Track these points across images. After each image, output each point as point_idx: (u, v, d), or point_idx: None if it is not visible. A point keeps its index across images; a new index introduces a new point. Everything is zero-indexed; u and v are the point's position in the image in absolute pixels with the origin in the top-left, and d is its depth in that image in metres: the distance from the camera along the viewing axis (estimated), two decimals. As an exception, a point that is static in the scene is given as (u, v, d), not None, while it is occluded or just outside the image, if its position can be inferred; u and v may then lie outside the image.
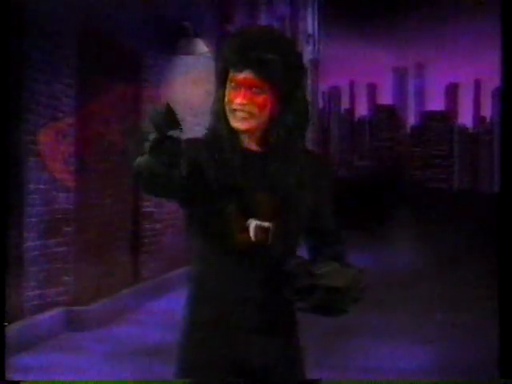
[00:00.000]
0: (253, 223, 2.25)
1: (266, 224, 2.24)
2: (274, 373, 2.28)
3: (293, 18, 23.15)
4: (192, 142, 2.28)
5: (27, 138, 6.38)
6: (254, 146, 2.27)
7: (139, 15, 8.58)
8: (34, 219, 6.46)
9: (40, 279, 6.54)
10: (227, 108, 2.23)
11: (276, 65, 2.17)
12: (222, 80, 2.26)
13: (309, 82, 27.95)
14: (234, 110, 2.20)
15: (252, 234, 2.25)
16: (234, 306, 2.26)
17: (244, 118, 2.20)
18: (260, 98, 2.19)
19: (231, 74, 2.21)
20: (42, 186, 6.57)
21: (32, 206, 6.44)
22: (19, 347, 5.87)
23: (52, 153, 6.70)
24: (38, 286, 6.52)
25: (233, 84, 2.21)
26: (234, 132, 2.25)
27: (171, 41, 9.58)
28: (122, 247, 8.31)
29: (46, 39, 6.62)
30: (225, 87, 2.24)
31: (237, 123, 2.22)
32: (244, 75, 2.18)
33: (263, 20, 16.08)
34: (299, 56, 2.26)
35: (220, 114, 2.26)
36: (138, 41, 8.61)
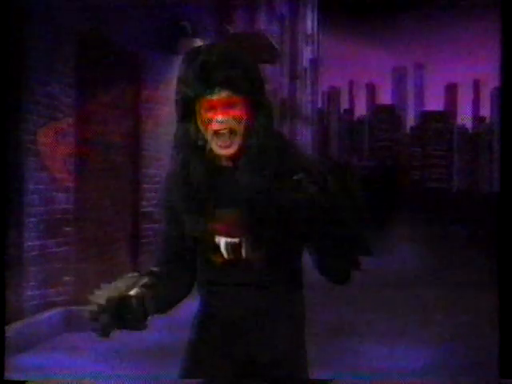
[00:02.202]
0: (222, 241, 2.21)
1: (236, 240, 2.20)
2: (278, 373, 2.28)
3: (292, 18, 23.15)
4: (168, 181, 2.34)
5: (27, 137, 6.38)
6: (224, 162, 2.26)
7: (138, 15, 8.58)
8: (33, 219, 6.46)
9: (40, 279, 6.53)
10: (207, 134, 2.21)
11: (242, 77, 2.19)
12: (186, 112, 2.23)
13: (308, 82, 27.96)
14: (216, 131, 2.19)
15: (223, 251, 2.22)
16: (231, 312, 2.28)
17: (228, 141, 2.19)
18: (236, 112, 2.19)
19: (201, 100, 2.19)
20: (41, 186, 6.57)
21: (32, 206, 6.44)
22: (19, 347, 5.87)
23: (52, 153, 6.70)
24: (38, 286, 6.52)
25: (205, 109, 2.19)
26: (205, 156, 2.25)
27: (170, 41, 9.58)
28: (121, 247, 8.30)
29: (46, 39, 6.62)
30: (190, 119, 2.23)
31: (221, 150, 2.21)
32: (217, 96, 2.17)
33: (263, 20, 16.07)
34: (257, 66, 2.28)
35: (192, 146, 2.24)
36: (137, 41, 8.60)
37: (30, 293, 6.41)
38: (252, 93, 2.22)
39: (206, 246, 2.24)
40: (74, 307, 6.92)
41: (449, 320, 7.66)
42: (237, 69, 2.19)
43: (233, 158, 2.23)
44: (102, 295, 2.19)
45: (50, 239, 6.68)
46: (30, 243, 6.39)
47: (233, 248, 2.21)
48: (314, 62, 29.66)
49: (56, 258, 6.77)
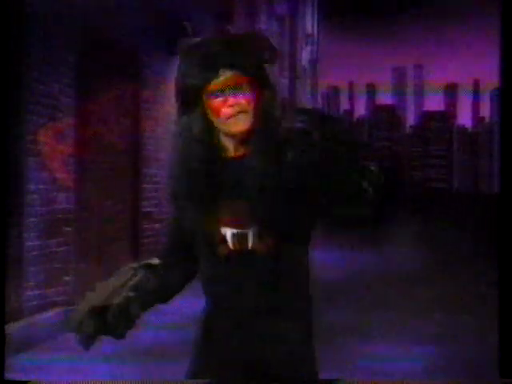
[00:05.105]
0: (228, 232, 2.22)
1: (243, 230, 2.20)
2: (286, 372, 2.27)
3: (292, 17, 23.14)
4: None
5: (27, 137, 6.38)
6: (232, 153, 2.25)
7: (139, 15, 8.58)
8: (33, 219, 6.46)
9: (40, 279, 6.54)
10: (217, 121, 2.21)
11: (245, 58, 2.20)
12: (190, 103, 2.23)
13: (308, 82, 27.96)
14: (228, 117, 2.18)
15: (230, 242, 2.22)
16: (238, 310, 2.26)
17: (241, 119, 2.19)
18: (245, 94, 2.19)
19: (208, 86, 2.19)
20: (41, 186, 6.57)
21: (32, 206, 6.44)
22: (19, 347, 5.87)
23: (52, 153, 6.70)
24: (38, 286, 6.52)
25: (213, 95, 2.19)
26: (213, 144, 2.24)
27: (171, 41, 9.59)
28: (121, 247, 8.30)
29: (46, 39, 6.62)
30: (194, 110, 2.23)
31: (235, 127, 2.20)
32: (223, 77, 2.18)
33: (263, 20, 16.08)
34: (258, 47, 2.27)
35: (202, 131, 2.23)
36: (137, 41, 8.61)
37: (29, 293, 6.41)
38: (256, 72, 2.22)
39: (211, 238, 2.23)
40: (74, 307, 6.92)
41: (449, 320, 7.66)
42: (238, 51, 2.20)
43: (241, 144, 2.23)
44: (90, 299, 2.45)
45: (50, 239, 6.68)
46: (30, 243, 6.40)
47: (239, 238, 2.20)
48: (314, 62, 29.65)
49: (56, 257, 6.77)
